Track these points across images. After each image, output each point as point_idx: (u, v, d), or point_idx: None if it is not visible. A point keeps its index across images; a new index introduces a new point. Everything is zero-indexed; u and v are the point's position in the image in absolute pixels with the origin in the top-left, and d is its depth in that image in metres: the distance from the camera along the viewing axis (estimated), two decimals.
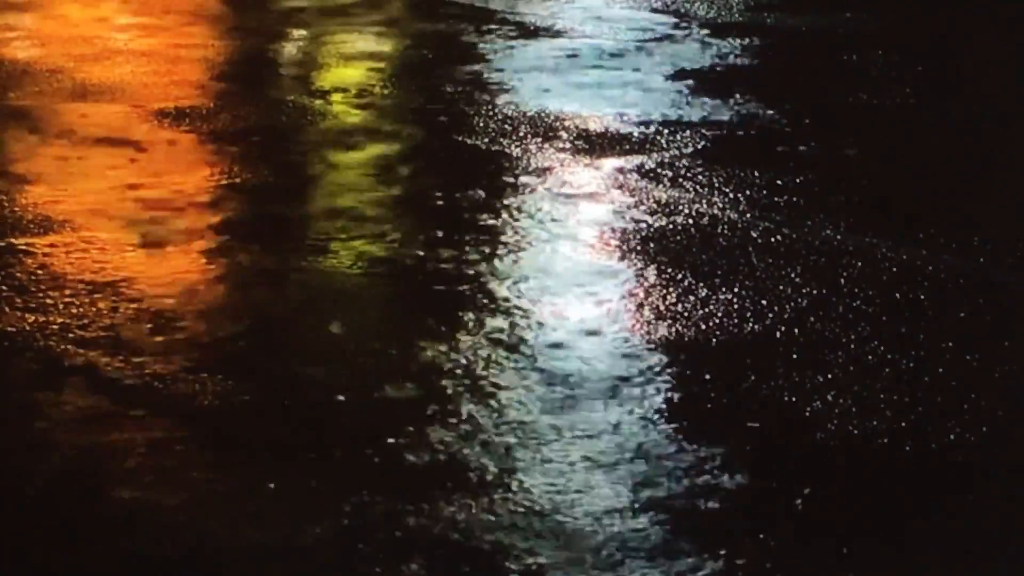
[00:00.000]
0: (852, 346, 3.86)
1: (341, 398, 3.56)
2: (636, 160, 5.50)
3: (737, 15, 8.45)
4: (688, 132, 5.89)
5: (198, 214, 4.87)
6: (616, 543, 2.93)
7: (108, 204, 4.93)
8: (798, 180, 5.25)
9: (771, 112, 6.25)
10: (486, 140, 5.77)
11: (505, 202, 5.01)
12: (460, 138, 5.83)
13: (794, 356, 3.80)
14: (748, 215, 4.88)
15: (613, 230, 4.74)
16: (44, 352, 3.77)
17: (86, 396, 3.53)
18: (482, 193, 5.11)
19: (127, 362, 3.71)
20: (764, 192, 5.12)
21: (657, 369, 3.71)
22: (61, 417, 3.43)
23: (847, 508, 3.10)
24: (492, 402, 3.53)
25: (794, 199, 5.05)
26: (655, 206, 4.97)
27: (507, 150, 5.63)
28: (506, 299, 4.17)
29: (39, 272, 4.30)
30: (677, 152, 5.61)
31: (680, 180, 5.25)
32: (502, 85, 6.69)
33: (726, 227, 4.76)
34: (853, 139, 5.88)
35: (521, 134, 5.83)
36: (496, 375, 3.68)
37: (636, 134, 5.86)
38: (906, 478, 3.24)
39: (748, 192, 5.11)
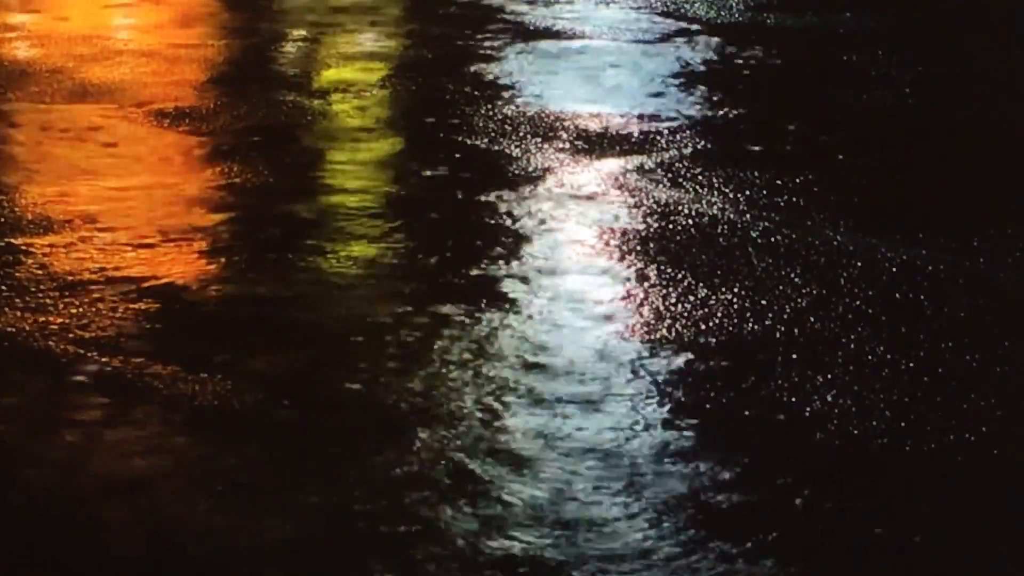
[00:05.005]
0: (852, 346, 3.86)
1: (342, 399, 3.56)
2: (636, 160, 5.51)
3: (737, 15, 8.45)
4: (688, 132, 5.90)
5: (198, 214, 4.87)
6: (615, 542, 2.93)
7: (108, 204, 4.93)
8: (798, 180, 5.26)
9: (771, 112, 6.25)
10: (486, 140, 5.77)
11: (505, 202, 5.01)
12: (460, 138, 5.83)
13: (794, 356, 3.80)
14: (748, 215, 4.88)
15: (613, 230, 4.74)
16: (44, 352, 3.77)
17: (86, 396, 3.53)
18: (481, 193, 5.11)
19: (127, 362, 3.71)
20: (764, 192, 5.12)
21: (657, 369, 3.71)
22: (60, 417, 3.43)
23: (847, 508, 3.10)
24: (491, 402, 3.53)
25: (794, 199, 5.05)
26: (655, 206, 4.97)
27: (507, 150, 5.63)
28: (505, 299, 4.17)
29: (39, 272, 4.30)
30: (677, 152, 5.61)
31: (680, 180, 5.25)
32: (502, 85, 6.70)
33: (726, 227, 4.76)
34: (853, 139, 5.88)
35: (521, 134, 5.83)
36: (495, 375, 3.68)
37: (636, 134, 5.86)
38: (906, 478, 3.24)
39: (748, 192, 5.11)
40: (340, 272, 4.40)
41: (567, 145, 5.70)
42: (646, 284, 4.28)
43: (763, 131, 5.99)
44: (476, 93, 6.52)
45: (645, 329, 3.96)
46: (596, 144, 5.71)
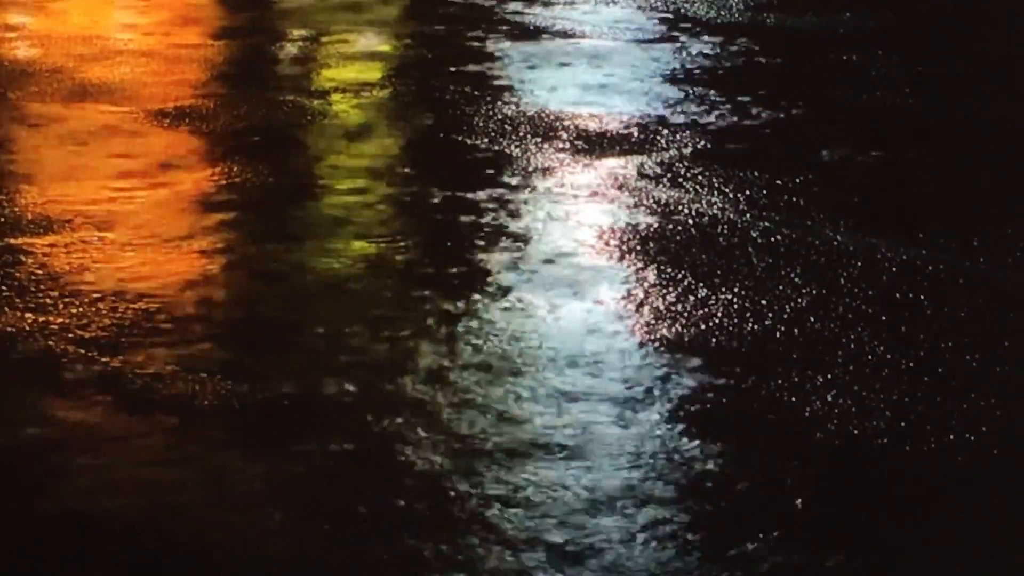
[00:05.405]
0: (852, 346, 3.86)
1: (341, 398, 3.56)
2: (636, 160, 5.51)
3: (737, 15, 8.45)
4: (688, 132, 5.90)
5: (198, 214, 4.87)
6: (612, 542, 2.93)
7: (108, 204, 4.93)
8: (798, 180, 5.26)
9: (771, 112, 6.25)
10: (486, 140, 5.77)
11: (505, 202, 5.01)
12: (460, 138, 5.83)
13: (794, 356, 3.80)
14: (748, 215, 4.88)
15: (613, 230, 4.74)
16: (44, 352, 3.77)
17: (86, 396, 3.53)
18: (482, 193, 5.11)
19: (127, 362, 3.71)
20: (764, 192, 5.12)
21: (657, 369, 3.71)
22: (60, 417, 3.43)
23: (847, 508, 3.10)
24: (491, 402, 3.53)
25: (794, 199, 5.05)
26: (655, 206, 4.97)
27: (507, 150, 5.63)
28: (505, 299, 4.17)
29: (39, 272, 4.30)
30: (677, 152, 5.61)
31: (680, 180, 5.25)
32: (502, 85, 6.69)
33: (726, 227, 4.76)
34: (853, 139, 5.88)
35: (521, 134, 5.83)
36: (495, 375, 3.68)
37: (636, 134, 5.86)
38: (906, 478, 3.24)
39: (748, 192, 5.11)
40: (340, 271, 4.40)
41: (567, 145, 5.70)
42: (646, 284, 4.28)
43: (763, 131, 5.99)
44: (476, 93, 6.52)
45: (645, 329, 3.96)
46: (596, 144, 5.71)
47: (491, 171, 5.39)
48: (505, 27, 8.07)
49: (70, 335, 3.86)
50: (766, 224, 4.79)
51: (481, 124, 5.99)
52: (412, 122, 6.20)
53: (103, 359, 3.72)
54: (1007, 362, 3.78)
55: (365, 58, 7.33)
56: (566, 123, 6.00)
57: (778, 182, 5.23)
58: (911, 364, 3.76)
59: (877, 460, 3.30)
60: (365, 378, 3.65)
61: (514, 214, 4.89)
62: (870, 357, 3.80)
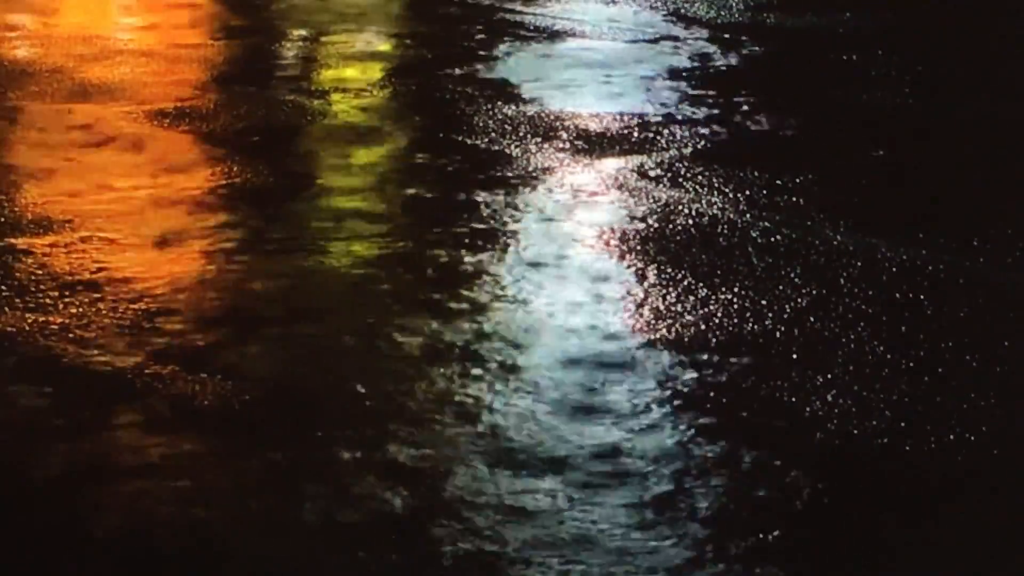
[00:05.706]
0: (852, 346, 3.86)
1: (341, 398, 3.56)
2: (636, 160, 5.51)
3: (737, 15, 8.45)
4: (688, 132, 5.90)
5: (198, 214, 4.87)
6: (612, 542, 2.93)
7: (108, 204, 4.93)
8: (798, 180, 5.26)
9: (771, 112, 6.25)
10: (486, 140, 5.77)
11: (504, 202, 5.01)
12: (460, 138, 5.83)
13: (794, 356, 3.80)
14: (748, 215, 4.88)
15: (613, 230, 4.75)
16: (44, 352, 3.77)
17: (86, 396, 3.53)
18: (482, 193, 5.11)
19: (127, 362, 3.71)
20: (764, 192, 5.12)
21: (656, 369, 3.72)
22: (60, 417, 3.43)
23: (847, 508, 3.10)
24: (491, 402, 3.53)
25: (794, 199, 5.05)
26: (655, 206, 4.97)
27: (507, 150, 5.63)
28: (505, 299, 4.17)
29: (39, 272, 4.31)
30: (677, 152, 5.61)
31: (680, 180, 5.25)
32: (502, 85, 6.70)
33: (726, 227, 4.77)
34: (853, 139, 5.89)
35: (521, 134, 5.83)
36: (495, 375, 3.68)
37: (636, 134, 5.86)
38: (906, 478, 3.24)
39: (748, 192, 5.12)
40: (340, 271, 4.40)
41: (567, 145, 5.70)
42: (646, 284, 4.28)
43: (763, 131, 5.99)
44: (476, 93, 6.53)
45: (645, 329, 3.96)
46: (596, 144, 5.72)
47: (491, 171, 5.39)
48: (505, 27, 8.07)
49: (70, 335, 3.86)
50: (766, 224, 4.80)
51: (481, 124, 5.99)
52: (412, 122, 6.20)
53: (103, 359, 3.72)
54: (1007, 362, 3.78)
55: (365, 58, 7.34)
56: (566, 123, 6.01)
57: (778, 182, 5.23)
58: (911, 364, 3.76)
59: (877, 460, 3.30)
60: (366, 378, 3.65)
61: (514, 214, 4.90)
62: (870, 357, 3.80)
